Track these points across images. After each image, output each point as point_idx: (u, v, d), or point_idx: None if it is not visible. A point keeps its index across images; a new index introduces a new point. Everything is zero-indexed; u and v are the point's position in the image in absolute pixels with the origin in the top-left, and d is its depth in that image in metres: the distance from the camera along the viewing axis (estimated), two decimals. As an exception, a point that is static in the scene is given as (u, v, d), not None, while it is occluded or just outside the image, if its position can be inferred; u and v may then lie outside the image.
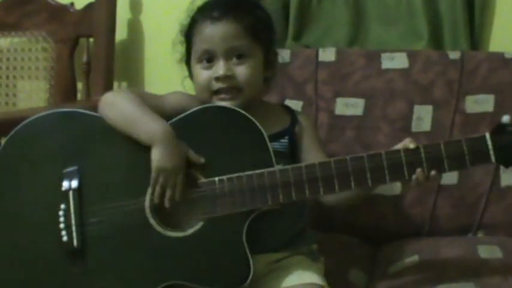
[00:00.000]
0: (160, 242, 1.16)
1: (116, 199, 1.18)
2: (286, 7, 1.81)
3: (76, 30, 1.91)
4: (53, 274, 1.19)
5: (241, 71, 1.22)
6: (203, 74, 1.23)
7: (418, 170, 1.13)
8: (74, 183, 1.19)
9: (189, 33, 1.27)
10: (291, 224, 1.23)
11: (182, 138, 1.17)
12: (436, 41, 1.74)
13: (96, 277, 1.18)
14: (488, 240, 1.47)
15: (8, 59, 1.96)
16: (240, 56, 1.22)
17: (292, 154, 1.26)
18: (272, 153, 1.16)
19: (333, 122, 1.62)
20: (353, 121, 1.61)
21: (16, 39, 1.95)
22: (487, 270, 1.31)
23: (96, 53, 1.88)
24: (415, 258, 1.41)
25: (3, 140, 1.25)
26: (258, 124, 1.16)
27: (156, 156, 1.14)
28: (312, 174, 1.14)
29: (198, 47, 1.24)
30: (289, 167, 1.15)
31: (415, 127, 1.57)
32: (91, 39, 1.91)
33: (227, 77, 1.21)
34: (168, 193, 1.15)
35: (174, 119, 1.19)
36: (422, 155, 1.13)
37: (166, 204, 1.16)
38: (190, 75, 1.29)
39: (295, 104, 1.61)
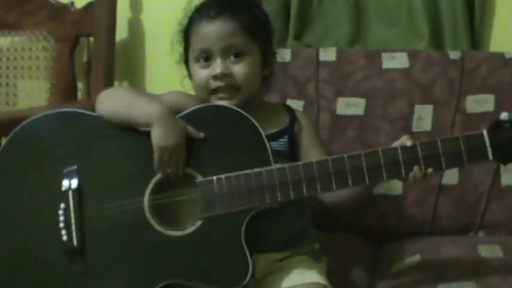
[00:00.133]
0: (159, 241, 1.16)
1: (115, 199, 1.18)
2: (287, 7, 1.81)
3: (76, 30, 1.91)
4: (53, 273, 1.20)
5: (239, 69, 1.22)
6: (201, 73, 1.23)
7: (415, 167, 1.13)
8: (74, 183, 1.19)
9: (186, 33, 1.28)
10: (292, 224, 1.23)
11: None
12: (437, 41, 1.74)
13: (96, 276, 1.18)
14: (489, 240, 1.48)
15: (8, 58, 1.95)
16: (237, 55, 1.22)
17: (291, 153, 1.26)
18: (270, 152, 1.16)
19: (334, 121, 1.62)
20: (354, 121, 1.61)
21: (16, 39, 1.95)
22: (488, 270, 1.31)
23: (97, 52, 1.88)
24: (416, 257, 1.41)
25: (4, 140, 1.25)
26: (255, 123, 1.16)
27: (156, 135, 1.15)
28: (310, 172, 1.14)
29: (195, 46, 1.24)
30: (286, 165, 1.15)
31: (415, 127, 1.57)
32: (91, 39, 1.91)
33: (225, 76, 1.21)
34: (173, 169, 1.16)
35: (172, 119, 1.20)
36: (419, 152, 1.13)
37: (174, 179, 1.17)
38: (189, 75, 1.29)
39: (297, 104, 1.61)
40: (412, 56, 1.64)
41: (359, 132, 1.60)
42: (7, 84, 1.95)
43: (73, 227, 1.18)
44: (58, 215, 1.18)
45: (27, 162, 1.22)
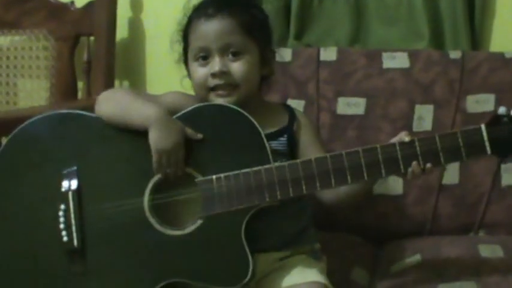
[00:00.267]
0: (159, 241, 1.17)
1: (115, 199, 1.18)
2: (287, 6, 1.81)
3: (76, 29, 1.90)
4: (54, 274, 1.20)
5: (237, 67, 1.22)
6: (199, 71, 1.24)
7: (414, 163, 1.13)
8: (74, 184, 1.19)
9: (185, 33, 1.28)
10: (292, 223, 1.24)
11: None
12: (437, 40, 1.74)
13: (97, 276, 1.19)
14: (489, 240, 1.48)
15: (8, 58, 1.95)
16: (235, 53, 1.22)
17: (291, 152, 1.26)
18: (269, 151, 1.16)
19: (334, 121, 1.62)
20: (354, 120, 1.61)
21: (16, 38, 1.94)
22: (488, 269, 1.31)
23: (97, 52, 1.87)
24: (417, 257, 1.41)
25: (4, 140, 1.25)
26: (254, 122, 1.17)
27: (154, 138, 1.15)
28: (309, 170, 1.15)
29: (194, 44, 1.24)
30: (285, 163, 1.16)
31: (416, 126, 1.57)
32: (92, 38, 1.90)
33: (223, 73, 1.21)
34: (172, 170, 1.16)
35: (171, 118, 1.20)
36: (418, 148, 1.14)
37: (173, 180, 1.16)
38: (189, 74, 1.29)
39: (297, 104, 1.61)
40: (413, 55, 1.64)
41: (359, 132, 1.60)
42: (7, 84, 1.95)
43: (73, 228, 1.18)
44: (58, 216, 1.18)
45: (26, 164, 1.23)
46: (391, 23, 1.79)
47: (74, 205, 1.18)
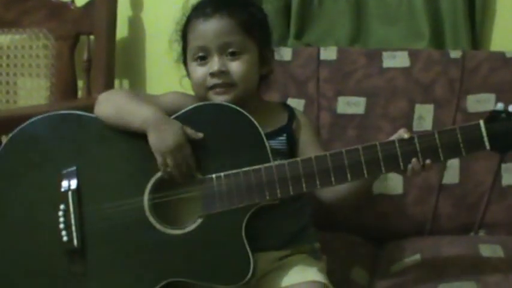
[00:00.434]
0: (160, 240, 1.16)
1: (115, 198, 1.18)
2: (287, 6, 1.81)
3: (76, 28, 1.90)
4: (54, 274, 1.20)
5: (236, 66, 1.22)
6: (198, 70, 1.24)
7: (413, 159, 1.13)
8: (73, 184, 1.19)
9: (183, 32, 1.28)
10: (292, 222, 1.24)
11: None
12: (437, 40, 1.74)
13: (97, 276, 1.19)
14: (489, 239, 1.48)
15: (8, 57, 1.95)
16: (234, 53, 1.22)
17: (290, 151, 1.26)
18: (269, 149, 1.16)
19: (334, 121, 1.62)
20: (354, 120, 1.61)
21: (16, 37, 1.94)
22: (489, 269, 1.31)
23: (97, 51, 1.87)
24: (417, 257, 1.41)
25: (4, 139, 1.25)
26: (254, 121, 1.17)
27: (153, 140, 1.15)
28: (309, 168, 1.15)
29: (193, 44, 1.24)
30: (285, 161, 1.16)
31: (416, 126, 1.57)
32: (92, 37, 1.90)
33: (222, 73, 1.21)
34: (183, 168, 1.15)
35: (170, 118, 1.19)
36: (417, 145, 1.14)
37: (181, 180, 1.16)
38: (188, 74, 1.29)
39: (297, 103, 1.61)
40: (413, 55, 1.64)
41: (359, 131, 1.60)
42: (7, 83, 1.95)
43: (73, 228, 1.18)
44: (58, 216, 1.18)
45: (26, 164, 1.23)
46: (392, 23, 1.79)
47: (74, 205, 1.18)
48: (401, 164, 1.14)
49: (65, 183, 1.19)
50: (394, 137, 1.16)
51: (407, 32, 1.77)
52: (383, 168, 1.14)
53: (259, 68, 1.27)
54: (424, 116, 1.58)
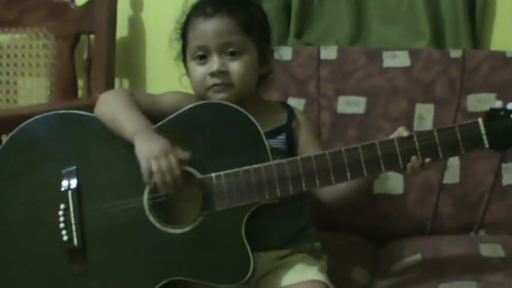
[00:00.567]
0: (160, 239, 1.16)
1: (115, 198, 1.18)
2: (288, 5, 1.81)
3: (77, 27, 1.90)
4: (54, 273, 1.20)
5: (235, 66, 1.22)
6: (198, 70, 1.24)
7: (413, 158, 1.14)
8: (73, 183, 1.19)
9: (183, 31, 1.28)
10: (292, 222, 1.24)
11: (178, 135, 1.17)
12: (438, 39, 1.74)
13: (97, 275, 1.19)
14: (490, 239, 1.48)
15: (8, 56, 1.95)
16: (234, 52, 1.22)
17: (290, 150, 1.26)
18: (268, 148, 1.16)
19: (335, 120, 1.62)
20: (355, 119, 1.61)
21: (16, 36, 1.94)
22: (489, 269, 1.31)
23: (97, 50, 1.87)
24: (417, 256, 1.41)
25: (4, 138, 1.25)
26: (253, 120, 1.16)
27: (138, 146, 1.13)
28: (308, 167, 1.15)
29: (193, 43, 1.24)
30: (285, 160, 1.16)
31: (416, 126, 1.57)
32: (92, 36, 1.90)
33: (221, 73, 1.21)
34: (167, 178, 1.11)
35: (169, 117, 1.20)
36: (416, 143, 1.14)
37: (170, 190, 1.12)
38: (187, 72, 1.29)
39: (297, 102, 1.61)
40: (413, 54, 1.64)
41: (360, 131, 1.60)
42: (7, 82, 1.95)
43: (73, 227, 1.18)
44: (58, 216, 1.18)
45: (26, 164, 1.23)
46: (392, 22, 1.79)
47: (74, 204, 1.18)
48: (400, 162, 1.14)
49: (65, 183, 1.19)
50: (393, 136, 1.16)
51: (407, 31, 1.77)
52: (382, 167, 1.14)
53: (258, 68, 1.27)
54: (425, 116, 1.58)
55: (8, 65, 1.95)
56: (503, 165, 1.54)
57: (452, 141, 1.13)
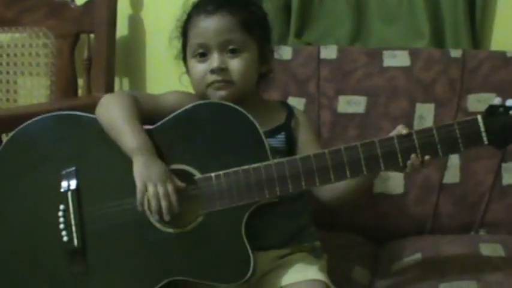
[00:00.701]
0: (160, 239, 1.16)
1: (114, 198, 1.18)
2: (288, 4, 1.81)
3: (77, 26, 1.90)
4: (55, 274, 1.20)
5: (235, 64, 1.22)
6: (198, 67, 1.24)
7: (413, 155, 1.13)
8: (73, 184, 1.19)
9: (184, 29, 1.28)
10: (292, 222, 1.24)
11: (177, 135, 1.18)
12: (438, 39, 1.74)
13: (98, 276, 1.19)
14: (490, 239, 1.48)
15: (8, 55, 1.95)
16: (234, 50, 1.22)
17: (289, 150, 1.26)
18: (268, 147, 1.16)
19: (335, 120, 1.62)
20: (355, 119, 1.61)
21: (16, 35, 1.94)
22: (489, 268, 1.31)
23: (97, 49, 1.87)
24: (417, 256, 1.41)
25: (4, 137, 1.25)
26: (253, 119, 1.16)
27: (137, 168, 1.13)
28: (308, 165, 1.14)
29: (193, 41, 1.25)
30: (284, 159, 1.15)
31: (417, 125, 1.57)
32: (92, 35, 1.90)
33: (221, 70, 1.21)
34: (163, 204, 1.12)
35: (168, 117, 1.19)
36: (415, 140, 1.14)
37: (166, 217, 1.13)
38: (187, 71, 1.29)
39: (298, 102, 1.61)
40: (413, 54, 1.64)
41: (360, 130, 1.60)
42: (7, 81, 1.95)
43: (73, 228, 1.18)
44: (58, 216, 1.18)
45: (26, 165, 1.23)
46: (392, 22, 1.79)
47: (74, 205, 1.18)
48: (400, 160, 1.14)
49: (64, 184, 1.19)
50: (392, 134, 1.16)
51: (407, 31, 1.77)
52: (382, 165, 1.14)
53: (258, 67, 1.27)
54: (425, 116, 1.58)
55: (8, 64, 1.95)
56: (503, 165, 1.54)
57: (452, 138, 1.13)
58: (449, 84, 1.60)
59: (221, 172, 1.15)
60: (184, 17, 1.28)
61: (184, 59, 1.29)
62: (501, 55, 1.61)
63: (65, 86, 1.90)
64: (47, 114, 1.25)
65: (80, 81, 1.94)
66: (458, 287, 1.25)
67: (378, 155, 1.14)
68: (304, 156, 1.16)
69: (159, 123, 1.20)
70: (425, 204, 1.56)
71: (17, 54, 1.94)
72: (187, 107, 1.19)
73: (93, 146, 1.22)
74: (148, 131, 1.18)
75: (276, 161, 1.15)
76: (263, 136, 1.16)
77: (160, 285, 1.15)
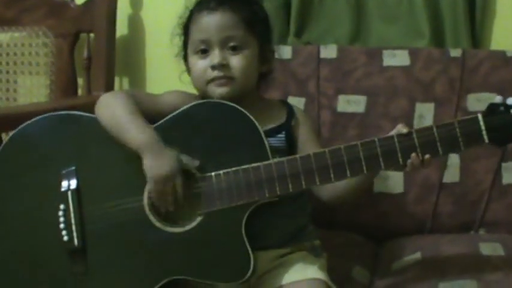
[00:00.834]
0: (160, 238, 1.16)
1: (114, 198, 1.18)
2: (287, 4, 1.81)
3: (76, 26, 1.90)
4: (55, 274, 1.20)
5: (236, 61, 1.22)
6: (199, 63, 1.24)
7: (413, 154, 1.13)
8: (73, 184, 1.19)
9: (186, 26, 1.28)
10: (291, 221, 1.24)
11: (177, 134, 1.18)
12: (438, 39, 1.74)
13: (98, 275, 1.19)
14: (489, 238, 1.48)
15: (8, 54, 1.95)
16: (235, 47, 1.23)
17: (289, 149, 1.26)
18: (267, 146, 1.16)
19: (335, 119, 1.62)
20: (355, 118, 1.61)
21: (16, 34, 1.94)
22: (489, 268, 1.31)
23: (97, 49, 1.87)
24: (417, 255, 1.41)
25: (4, 137, 1.25)
26: (252, 118, 1.16)
27: (148, 166, 1.14)
28: (307, 165, 1.14)
29: (195, 37, 1.25)
30: (284, 159, 1.15)
31: (417, 125, 1.57)
32: (91, 35, 1.90)
33: (222, 66, 1.21)
34: (170, 199, 1.14)
35: (168, 117, 1.19)
36: (415, 139, 1.13)
37: (171, 208, 1.15)
38: (188, 69, 1.29)
39: (298, 101, 1.61)
40: (413, 53, 1.64)
41: (360, 130, 1.60)
42: (7, 80, 1.95)
43: (73, 227, 1.18)
44: (58, 216, 1.18)
45: (25, 165, 1.23)
46: (392, 21, 1.79)
47: (74, 205, 1.18)
48: (400, 159, 1.14)
49: (64, 183, 1.19)
50: (392, 132, 1.16)
51: (407, 30, 1.77)
52: (382, 164, 1.14)
53: (259, 66, 1.27)
54: (425, 115, 1.58)
55: (7, 63, 1.95)
56: (503, 164, 1.54)
57: (452, 137, 1.13)
58: (449, 83, 1.60)
59: (221, 171, 1.15)
60: (187, 13, 1.29)
61: (185, 58, 1.30)
62: (501, 55, 1.61)
63: (65, 85, 1.90)
64: (47, 114, 1.25)
65: (80, 81, 1.93)
66: (457, 286, 1.25)
67: (378, 154, 1.13)
68: (304, 156, 1.15)
69: (158, 122, 1.20)
70: (425, 203, 1.56)
71: (17, 54, 1.94)
72: (187, 106, 1.19)
73: (93, 145, 1.22)
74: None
75: (276, 160, 1.15)
76: (263, 135, 1.16)
77: (160, 284, 1.15)
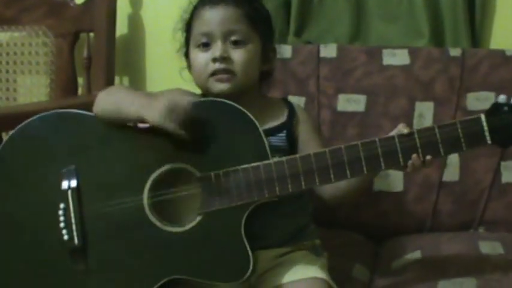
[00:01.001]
0: (160, 238, 1.16)
1: (115, 197, 1.18)
2: (287, 3, 1.82)
3: (76, 25, 1.90)
4: (55, 273, 1.20)
5: (238, 55, 1.22)
6: (201, 56, 1.24)
7: (414, 155, 1.12)
8: (73, 183, 1.19)
9: (188, 20, 1.29)
10: (291, 221, 1.23)
11: None
12: (437, 38, 1.74)
13: (98, 274, 1.18)
14: (489, 236, 1.48)
15: (7, 54, 1.95)
16: (238, 41, 1.23)
17: (290, 148, 1.26)
18: (267, 146, 1.16)
19: (335, 118, 1.62)
20: (355, 117, 1.61)
21: (16, 34, 1.94)
22: (488, 266, 1.31)
23: (97, 48, 1.87)
24: (417, 254, 1.41)
25: (4, 136, 1.25)
26: (252, 117, 1.16)
27: (148, 116, 1.12)
28: (307, 165, 1.14)
29: (197, 30, 1.25)
30: (284, 158, 1.15)
31: (416, 124, 1.57)
32: (91, 34, 1.90)
33: (224, 59, 1.21)
34: (187, 123, 1.12)
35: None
36: (417, 140, 1.12)
37: (189, 139, 1.13)
38: (189, 66, 1.29)
39: (298, 100, 1.61)
40: (413, 52, 1.64)
41: (360, 129, 1.60)
42: (7, 80, 1.95)
43: (73, 226, 1.18)
44: (58, 215, 1.18)
45: (25, 164, 1.22)
46: (392, 20, 1.79)
47: (74, 204, 1.18)
48: (401, 159, 1.12)
49: (64, 182, 1.19)
50: (393, 133, 1.15)
51: (407, 29, 1.77)
52: (382, 165, 1.13)
53: (260, 64, 1.27)
54: (424, 114, 1.58)
55: (7, 63, 1.95)
56: (503, 163, 1.54)
57: (454, 137, 1.11)
58: (449, 82, 1.60)
59: (221, 171, 1.15)
60: (190, 8, 1.29)
61: (187, 55, 1.30)
62: (500, 54, 1.62)
63: (65, 84, 1.90)
64: (46, 113, 1.24)
65: (80, 80, 1.94)
66: (457, 284, 1.26)
67: (379, 154, 1.12)
68: (305, 155, 1.15)
69: (157, 122, 1.20)
70: (424, 202, 1.56)
71: (17, 53, 1.94)
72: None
73: (93, 144, 1.21)
74: (147, 130, 1.18)
75: (275, 160, 1.15)
76: (263, 135, 1.16)
77: (160, 283, 1.15)
